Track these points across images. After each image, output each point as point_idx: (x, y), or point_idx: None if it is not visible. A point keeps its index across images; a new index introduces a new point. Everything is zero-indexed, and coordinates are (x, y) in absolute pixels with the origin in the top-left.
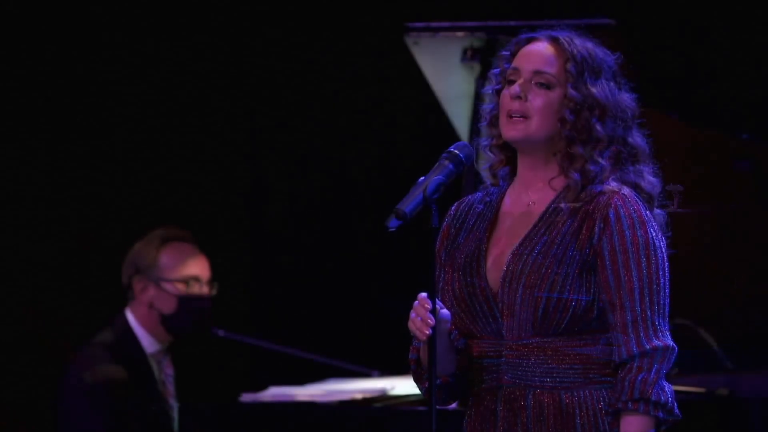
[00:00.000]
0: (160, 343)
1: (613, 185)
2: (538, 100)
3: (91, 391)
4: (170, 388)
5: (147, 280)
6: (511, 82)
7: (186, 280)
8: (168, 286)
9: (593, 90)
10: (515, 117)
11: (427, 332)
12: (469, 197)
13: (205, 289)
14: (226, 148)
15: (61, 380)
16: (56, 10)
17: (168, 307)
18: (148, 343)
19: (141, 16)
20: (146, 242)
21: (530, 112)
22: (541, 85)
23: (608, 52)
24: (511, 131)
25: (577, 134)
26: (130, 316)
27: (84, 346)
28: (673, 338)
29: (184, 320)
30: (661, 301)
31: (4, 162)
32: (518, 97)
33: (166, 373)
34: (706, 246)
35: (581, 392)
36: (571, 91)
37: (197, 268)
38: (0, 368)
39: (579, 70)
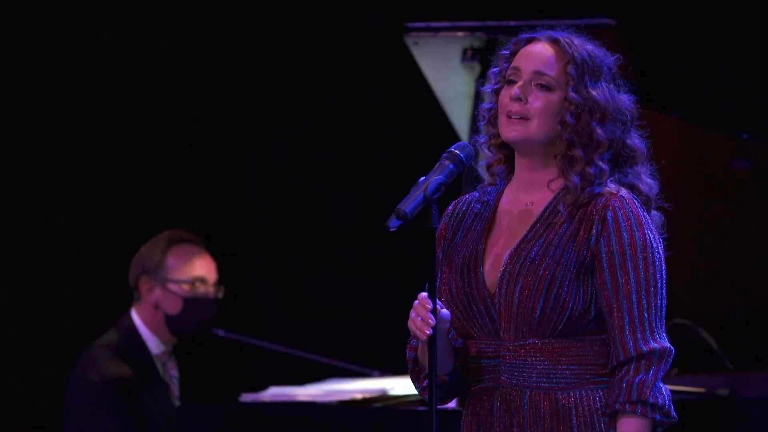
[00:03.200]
0: (165, 345)
1: (611, 187)
2: (538, 102)
3: (98, 390)
4: (174, 390)
5: (153, 281)
6: (511, 83)
7: (192, 282)
8: (174, 287)
9: (594, 93)
10: (515, 118)
11: (428, 332)
12: (467, 196)
13: (211, 291)
14: (227, 149)
15: (67, 381)
16: (58, 11)
17: (173, 307)
18: (153, 344)
19: (142, 17)
20: (153, 243)
21: (530, 113)
22: (541, 86)
23: (608, 52)
24: (510, 132)
25: (577, 137)
26: (136, 317)
27: (89, 347)
28: (671, 339)
29: (189, 321)
30: (659, 303)
31: (7, 162)
32: (518, 99)
33: (170, 375)
34: (706, 246)
35: (578, 393)
36: (572, 94)
37: (204, 269)
38: (4, 369)
39: (579, 72)
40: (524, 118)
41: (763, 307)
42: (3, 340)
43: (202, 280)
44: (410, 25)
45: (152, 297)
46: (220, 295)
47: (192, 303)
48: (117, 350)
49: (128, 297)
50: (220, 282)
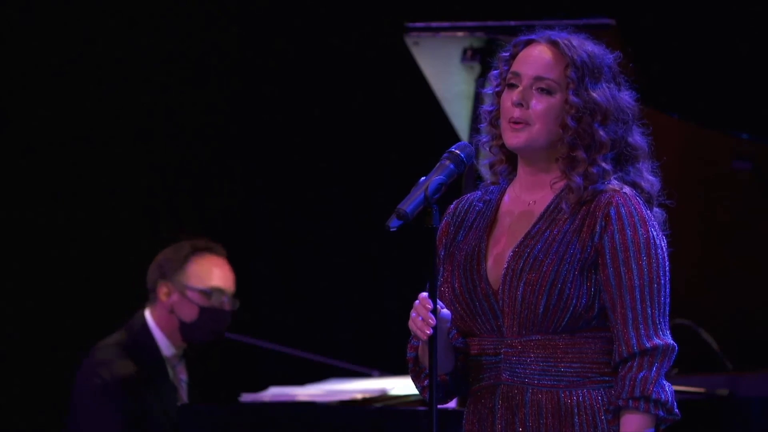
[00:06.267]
0: (175, 348)
1: (614, 184)
2: (539, 106)
3: (107, 388)
4: (183, 394)
5: (172, 286)
6: (511, 86)
7: (210, 292)
8: (192, 295)
9: (594, 95)
10: (517, 124)
11: (428, 332)
12: (469, 195)
13: (227, 303)
14: (228, 149)
15: (71, 379)
16: (59, 11)
17: (189, 315)
18: (164, 346)
19: (145, 17)
20: (176, 249)
21: (532, 118)
22: (542, 90)
23: (607, 51)
24: (513, 139)
25: (579, 140)
26: (149, 318)
27: (99, 345)
28: (673, 338)
29: (202, 330)
30: (662, 300)
31: (7, 162)
32: (519, 105)
33: (179, 379)
34: (707, 246)
35: (580, 391)
36: (572, 97)
37: (222, 280)
38: (4, 369)
39: (579, 75)
40: (526, 123)
41: (763, 307)
42: (3, 340)
43: (220, 291)
44: (410, 25)
45: (169, 301)
46: (236, 307)
47: (207, 312)
48: (128, 349)
49: (129, 296)
50: (235, 294)
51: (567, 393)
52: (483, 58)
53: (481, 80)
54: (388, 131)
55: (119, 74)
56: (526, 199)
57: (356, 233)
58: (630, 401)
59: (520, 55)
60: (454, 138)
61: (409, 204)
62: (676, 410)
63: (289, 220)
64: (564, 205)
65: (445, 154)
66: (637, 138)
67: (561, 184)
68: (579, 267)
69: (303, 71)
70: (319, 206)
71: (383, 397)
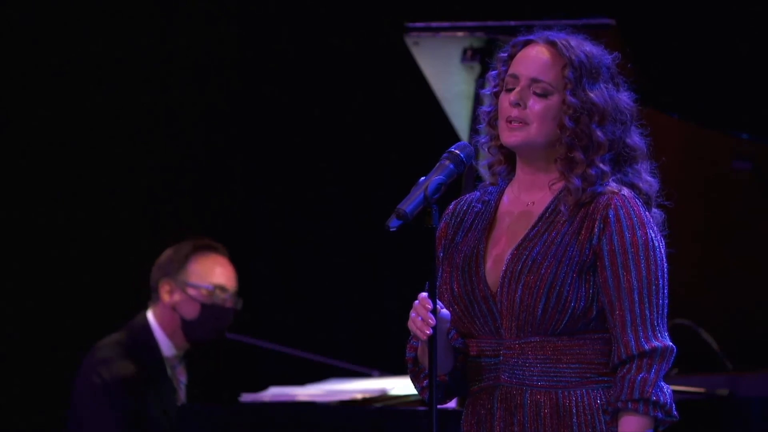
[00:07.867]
0: (176, 349)
1: (612, 186)
2: (537, 106)
3: (107, 388)
4: (181, 395)
5: (174, 284)
6: (510, 87)
7: (212, 289)
8: (193, 292)
9: (592, 95)
10: (514, 123)
11: (428, 332)
12: (468, 196)
13: (229, 300)
14: (228, 149)
15: (71, 379)
16: (59, 10)
17: (191, 312)
18: (165, 346)
19: (147, 17)
20: (178, 248)
21: (529, 118)
22: (539, 91)
23: (605, 51)
24: (510, 137)
25: (577, 140)
26: (151, 318)
27: (100, 345)
28: (672, 338)
29: (204, 328)
30: (660, 302)
31: (7, 162)
32: (517, 105)
33: (179, 380)
34: (706, 246)
35: (578, 392)
36: (570, 98)
37: (224, 278)
38: (5, 369)
39: (577, 75)
40: (524, 122)
41: (763, 307)
42: (3, 340)
43: (222, 288)
44: (410, 25)
45: (171, 300)
46: (239, 306)
47: (209, 309)
48: (128, 349)
49: (130, 296)
50: (238, 293)
51: (565, 393)
52: (483, 58)
53: (481, 80)
54: (388, 131)
55: (119, 74)
56: (525, 199)
57: (356, 233)
58: (629, 403)
59: (518, 55)
60: (454, 138)
61: (409, 204)
62: (675, 412)
63: (289, 220)
64: (562, 207)
65: (444, 154)
66: (636, 139)
67: (560, 185)
68: (577, 269)
69: (303, 71)
70: (319, 206)
71: (383, 397)
